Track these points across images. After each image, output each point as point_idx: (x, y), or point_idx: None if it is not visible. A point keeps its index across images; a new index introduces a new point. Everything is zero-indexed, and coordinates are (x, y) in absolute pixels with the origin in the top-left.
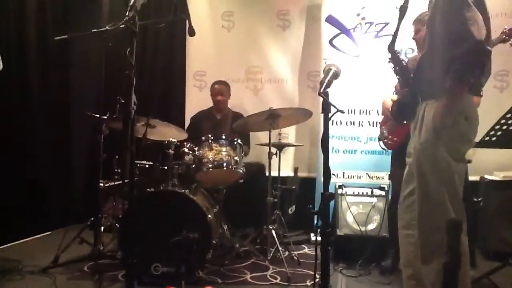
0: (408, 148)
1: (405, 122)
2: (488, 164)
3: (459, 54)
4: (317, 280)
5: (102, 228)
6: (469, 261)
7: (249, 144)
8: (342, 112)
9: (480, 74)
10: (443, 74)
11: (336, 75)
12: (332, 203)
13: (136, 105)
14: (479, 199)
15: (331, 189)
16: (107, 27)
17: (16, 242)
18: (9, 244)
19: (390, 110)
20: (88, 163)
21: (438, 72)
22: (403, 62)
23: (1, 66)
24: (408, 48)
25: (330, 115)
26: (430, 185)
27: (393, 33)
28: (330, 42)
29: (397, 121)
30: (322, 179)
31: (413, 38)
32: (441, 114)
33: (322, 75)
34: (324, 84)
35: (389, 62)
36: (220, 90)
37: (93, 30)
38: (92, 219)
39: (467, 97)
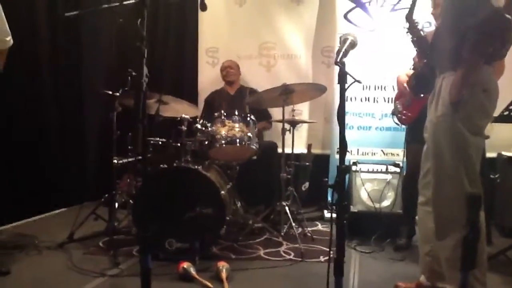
0: (426, 123)
1: (422, 95)
2: (506, 140)
3: (475, 23)
4: (331, 255)
5: (117, 204)
6: (485, 237)
7: (269, 118)
8: (359, 82)
9: (500, 44)
10: (460, 45)
11: (353, 45)
12: (346, 179)
13: (148, 78)
14: (496, 176)
15: None
16: (117, 3)
17: (33, 219)
18: (26, 220)
19: (406, 84)
20: (102, 140)
21: (454, 43)
22: (422, 32)
23: (12, 42)
24: (425, 22)
25: (346, 86)
26: (445, 159)
27: (411, 2)
28: (345, 16)
29: (415, 94)
30: (336, 155)
31: (432, 14)
32: (457, 86)
33: (336, 50)
34: (341, 54)
35: (407, 32)
36: (229, 64)
37: (103, 6)
38: (107, 195)
39: (486, 68)
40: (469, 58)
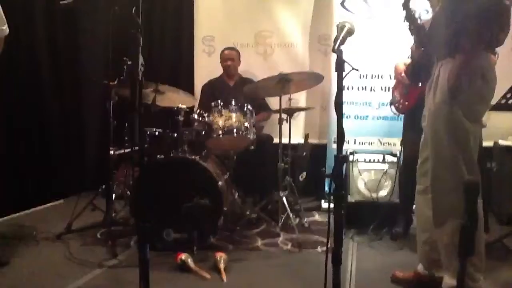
0: (424, 111)
1: (420, 84)
2: (503, 129)
3: (474, 9)
4: (329, 246)
5: (114, 195)
6: (483, 225)
7: (269, 109)
8: (357, 70)
9: (499, 30)
10: (458, 32)
11: (350, 32)
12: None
13: (144, 66)
14: (493, 165)
15: None
16: None
17: (31, 210)
18: (24, 212)
19: (404, 73)
20: (99, 130)
21: (453, 30)
22: (418, 20)
23: (7, 31)
24: (423, 10)
25: (344, 73)
26: (444, 146)
27: None
28: (342, 4)
29: (413, 82)
30: (333, 145)
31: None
32: (456, 73)
33: (333, 38)
34: (338, 41)
35: (404, 21)
36: (230, 55)
37: None
38: (104, 186)
39: (484, 55)
40: (469, 44)
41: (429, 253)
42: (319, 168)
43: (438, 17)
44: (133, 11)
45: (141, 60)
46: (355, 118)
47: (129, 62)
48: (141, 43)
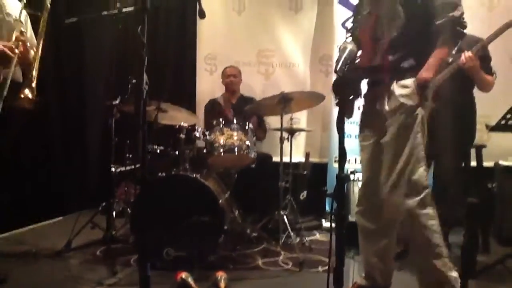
0: (362, 130)
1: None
2: (503, 149)
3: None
4: (330, 265)
5: (114, 213)
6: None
7: (265, 126)
8: (358, 96)
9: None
10: (427, 44)
11: (352, 53)
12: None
13: (148, 85)
14: (494, 185)
15: None
16: (117, 7)
17: (30, 227)
18: (23, 229)
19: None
20: (100, 148)
21: (420, 44)
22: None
23: None
24: None
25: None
26: (421, 147)
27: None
28: (343, 25)
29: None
30: (334, 164)
31: None
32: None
33: (334, 59)
34: (340, 62)
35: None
36: (232, 71)
37: (103, 13)
38: (104, 204)
39: None
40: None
41: (376, 263)
42: (320, 187)
43: (402, 35)
44: (138, 30)
45: (145, 79)
46: (356, 137)
47: (134, 81)
48: (146, 62)
